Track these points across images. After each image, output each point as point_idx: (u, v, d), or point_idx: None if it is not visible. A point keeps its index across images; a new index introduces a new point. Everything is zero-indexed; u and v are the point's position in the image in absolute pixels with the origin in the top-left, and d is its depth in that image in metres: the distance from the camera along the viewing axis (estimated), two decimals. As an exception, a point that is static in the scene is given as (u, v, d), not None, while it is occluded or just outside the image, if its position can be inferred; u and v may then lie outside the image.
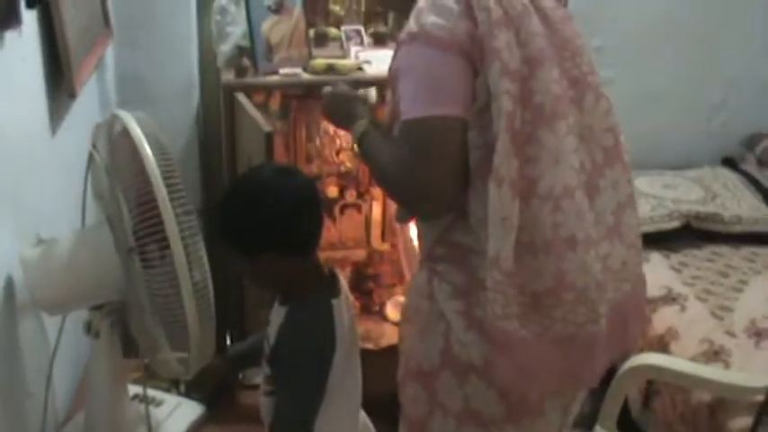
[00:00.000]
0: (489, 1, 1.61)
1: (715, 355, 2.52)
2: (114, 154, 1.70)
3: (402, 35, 1.69)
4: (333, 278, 1.88)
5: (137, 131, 1.58)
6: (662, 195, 3.32)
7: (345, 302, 1.86)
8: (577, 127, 1.68)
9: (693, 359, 2.51)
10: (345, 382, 1.84)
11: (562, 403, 1.83)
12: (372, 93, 2.86)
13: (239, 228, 1.78)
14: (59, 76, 1.99)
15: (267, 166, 2.09)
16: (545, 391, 1.76)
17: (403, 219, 1.95)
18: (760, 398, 1.98)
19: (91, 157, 1.70)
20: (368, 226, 3.22)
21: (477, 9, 1.61)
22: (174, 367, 1.75)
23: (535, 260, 1.63)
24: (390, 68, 1.75)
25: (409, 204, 1.75)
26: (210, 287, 1.73)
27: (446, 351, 1.76)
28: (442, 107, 1.61)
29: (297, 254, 1.79)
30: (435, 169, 1.62)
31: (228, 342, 3.07)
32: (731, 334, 2.61)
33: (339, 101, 1.99)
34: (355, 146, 1.90)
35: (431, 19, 1.63)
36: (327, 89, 2.02)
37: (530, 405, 1.77)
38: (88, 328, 1.79)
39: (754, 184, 3.57)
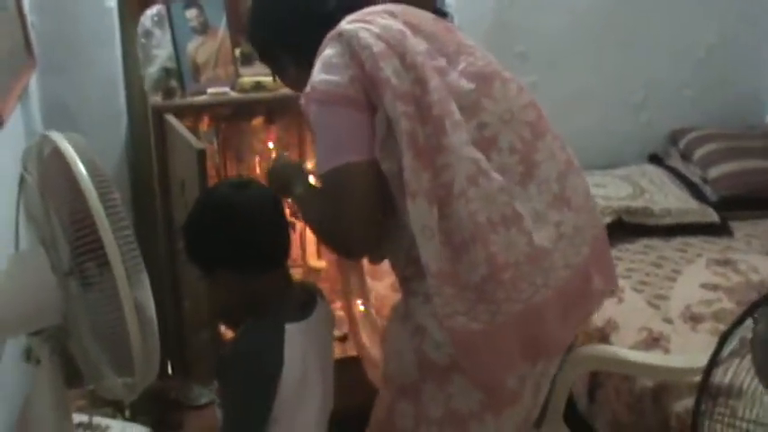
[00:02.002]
0: (369, 39, 1.72)
1: (654, 341, 2.57)
2: (45, 175, 1.67)
3: (301, 97, 1.79)
4: (307, 298, 1.87)
5: (68, 149, 1.56)
6: (592, 194, 3.35)
7: (314, 327, 1.83)
8: (490, 116, 1.78)
9: (634, 347, 2.55)
10: (300, 409, 1.80)
11: (535, 382, 1.88)
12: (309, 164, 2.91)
13: (193, 245, 1.84)
14: (-16, 105, 1.97)
15: (224, 182, 2.20)
16: (518, 373, 1.82)
17: (375, 260, 2.02)
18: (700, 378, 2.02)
19: (22, 181, 1.68)
20: (303, 244, 3.21)
21: (360, 49, 1.72)
22: (119, 391, 1.72)
23: (469, 254, 1.70)
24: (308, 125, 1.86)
25: (338, 251, 1.89)
26: (152, 305, 1.71)
27: (422, 363, 1.83)
28: (343, 156, 1.72)
29: (257, 270, 1.80)
30: (350, 213, 1.71)
31: (169, 367, 3.03)
32: (668, 321, 2.66)
33: (276, 172, 2.07)
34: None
35: (320, 77, 1.75)
36: (270, 163, 2.16)
37: (508, 393, 1.83)
38: (27, 355, 1.75)
39: (680, 177, 3.65)
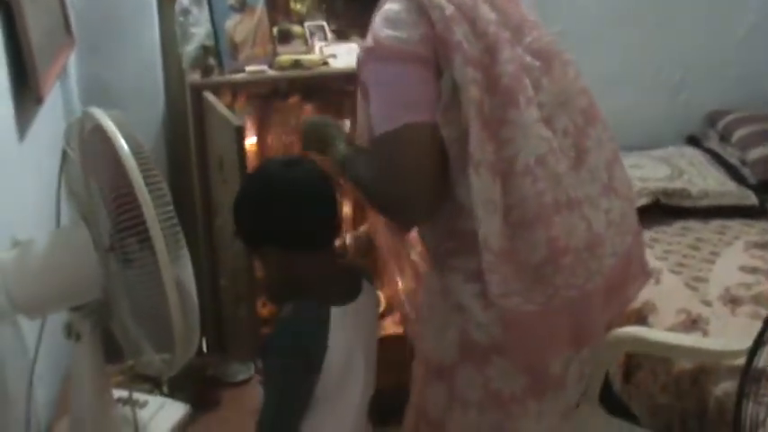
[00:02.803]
0: (441, 1, 1.66)
1: (693, 324, 2.55)
2: (87, 151, 1.69)
3: (360, 51, 1.75)
4: (353, 282, 1.85)
5: (111, 126, 1.57)
6: (630, 175, 3.33)
7: (359, 311, 1.81)
8: (547, 96, 1.73)
9: (672, 329, 2.54)
10: (343, 393, 1.79)
11: (578, 368, 1.87)
12: (347, 123, 2.88)
13: (242, 219, 1.83)
14: (25, 84, 1.98)
15: (275, 159, 2.13)
16: (562, 358, 1.80)
17: (406, 228, 1.99)
18: (741, 362, 2.01)
19: (64, 156, 1.69)
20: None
21: (431, 8, 1.65)
22: (158, 367, 1.74)
23: (530, 234, 1.67)
24: (359, 81, 1.80)
25: (393, 216, 1.82)
26: (193, 282, 1.72)
27: (464, 342, 1.80)
28: (408, 116, 1.66)
29: (303, 249, 1.78)
30: (409, 180, 1.66)
31: (204, 344, 3.05)
32: (707, 303, 2.64)
33: (314, 129, 2.03)
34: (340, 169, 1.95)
35: (385, 32, 1.68)
36: (306, 119, 2.08)
37: (552, 377, 1.81)
38: (68, 331, 1.77)
39: (718, 159, 3.62)
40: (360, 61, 1.75)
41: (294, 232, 1.77)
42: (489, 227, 1.65)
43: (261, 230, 1.79)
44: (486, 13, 1.70)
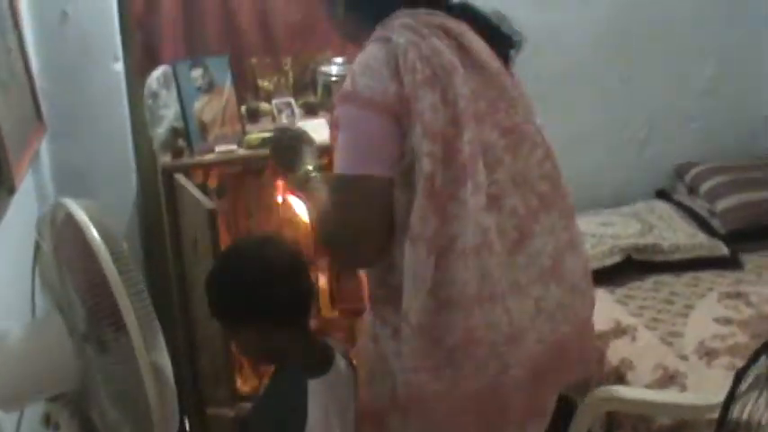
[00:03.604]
0: (416, 62, 1.65)
1: (670, 379, 2.56)
2: (59, 241, 1.70)
3: (339, 93, 1.74)
4: (326, 355, 1.87)
5: (82, 216, 1.58)
6: (601, 233, 3.38)
7: (334, 382, 1.83)
8: (504, 173, 1.73)
9: (650, 386, 2.55)
10: None
11: None
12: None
13: (216, 301, 1.85)
14: (-3, 173, 2.00)
15: (246, 238, 2.12)
16: None
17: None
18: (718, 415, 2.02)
19: (37, 247, 1.71)
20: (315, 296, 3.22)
21: (404, 70, 1.65)
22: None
23: (451, 316, 1.67)
24: (332, 120, 1.79)
25: (336, 256, 1.83)
26: (169, 366, 1.72)
27: (393, 391, 1.77)
28: (367, 167, 1.67)
29: (277, 325, 1.81)
30: (353, 228, 1.68)
31: (187, 424, 3.03)
32: (683, 357, 2.66)
33: (286, 143, 2.01)
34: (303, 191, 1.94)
35: (363, 81, 1.67)
36: (277, 126, 2.03)
37: None
38: (47, 420, 1.76)
39: (688, 212, 3.66)
40: (337, 99, 1.75)
41: (268, 310, 1.79)
42: (413, 301, 1.66)
43: (235, 310, 1.82)
44: (462, 84, 1.68)
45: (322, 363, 1.85)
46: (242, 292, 1.80)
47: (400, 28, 1.71)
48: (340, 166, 1.71)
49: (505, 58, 1.83)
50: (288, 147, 1.98)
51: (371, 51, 1.71)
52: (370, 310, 1.86)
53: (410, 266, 1.65)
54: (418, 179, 1.64)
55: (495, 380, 1.71)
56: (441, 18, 1.76)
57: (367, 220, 1.68)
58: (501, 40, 1.83)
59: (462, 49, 1.74)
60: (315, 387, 1.78)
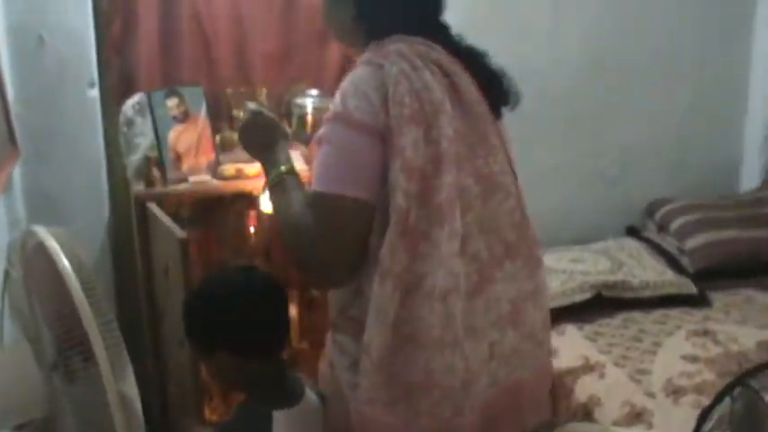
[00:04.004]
0: (405, 96, 1.64)
1: (637, 416, 2.57)
2: (30, 269, 1.70)
3: (328, 113, 1.71)
4: (296, 388, 1.87)
5: (53, 245, 1.59)
6: (571, 269, 3.41)
7: (301, 416, 1.83)
8: (473, 218, 1.72)
9: (617, 423, 2.56)
10: None
11: None
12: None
13: (193, 326, 1.85)
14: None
15: (227, 267, 2.08)
16: None
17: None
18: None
19: (6, 275, 1.70)
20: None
21: (392, 102, 1.64)
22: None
23: (412, 355, 1.66)
24: (315, 138, 1.77)
25: (306, 273, 1.76)
26: (137, 397, 1.72)
27: (346, 420, 1.78)
28: (356, 189, 1.65)
29: (252, 354, 1.81)
30: (337, 247, 1.66)
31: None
32: (650, 395, 2.67)
33: (260, 129, 1.91)
34: (265, 185, 1.86)
35: (354, 102, 1.66)
36: (250, 107, 1.94)
37: None
38: (12, 450, 1.76)
39: (657, 249, 3.69)
40: (326, 118, 1.71)
41: (245, 338, 1.79)
42: (375, 336, 1.65)
43: (212, 337, 1.81)
44: (447, 124, 1.67)
45: (292, 395, 1.85)
46: (218, 319, 1.80)
47: (395, 55, 1.70)
48: (320, 183, 1.68)
49: (496, 110, 1.82)
50: (260, 133, 1.90)
51: (363, 75, 1.70)
52: (331, 336, 1.86)
53: (376, 300, 1.65)
54: (392, 213, 1.64)
55: (450, 422, 1.70)
56: (437, 54, 1.75)
57: (342, 242, 1.66)
58: (496, 91, 1.82)
59: (453, 88, 1.73)
60: (281, 420, 1.78)
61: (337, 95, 1.71)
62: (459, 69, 1.76)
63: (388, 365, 1.66)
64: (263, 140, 1.89)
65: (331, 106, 1.71)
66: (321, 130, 1.72)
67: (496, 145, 1.78)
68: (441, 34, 1.81)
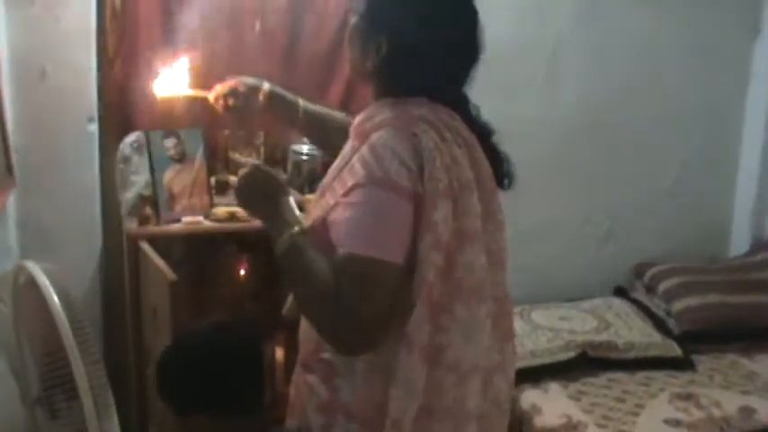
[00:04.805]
0: (441, 171, 1.63)
1: (618, 480, 2.59)
2: (19, 304, 1.71)
3: (360, 178, 1.63)
4: None
5: (45, 282, 1.60)
6: (558, 327, 3.42)
7: None
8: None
9: (597, 485, 2.57)
10: None
11: None
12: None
13: (166, 384, 1.78)
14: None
15: (204, 322, 1.92)
16: None
17: (292, 313, 1.87)
18: None
19: (-5, 309, 1.71)
20: (271, 370, 3.21)
21: (428, 179, 1.62)
22: None
23: (430, 425, 1.67)
24: (324, 191, 1.74)
25: (337, 338, 1.66)
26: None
27: None
28: (395, 254, 1.61)
29: (228, 416, 1.77)
30: (377, 311, 1.60)
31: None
32: (631, 458, 2.69)
33: (261, 185, 1.79)
34: (278, 248, 1.70)
35: (394, 167, 1.61)
36: (246, 164, 1.83)
37: None
38: (-8, 484, 1.76)
39: (645, 311, 3.70)
40: (363, 181, 1.62)
41: (218, 399, 1.75)
42: (407, 410, 1.64)
43: (188, 397, 1.76)
44: (471, 201, 1.68)
45: None
46: (194, 381, 1.75)
47: (422, 123, 1.68)
48: (357, 244, 1.60)
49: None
50: (261, 189, 1.78)
51: (396, 141, 1.65)
52: (300, 374, 1.84)
53: (406, 374, 1.63)
54: (419, 287, 1.62)
55: None
56: (458, 123, 1.75)
57: (383, 307, 1.61)
58: (499, 170, 1.83)
59: (473, 162, 1.73)
60: None
61: (370, 158, 1.63)
62: (476, 143, 1.76)
63: None
64: (264, 198, 1.78)
65: (360, 169, 1.64)
66: (353, 195, 1.64)
67: (501, 220, 1.80)
68: (461, 105, 1.80)
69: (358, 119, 1.78)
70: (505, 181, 1.86)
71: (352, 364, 1.71)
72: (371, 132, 1.68)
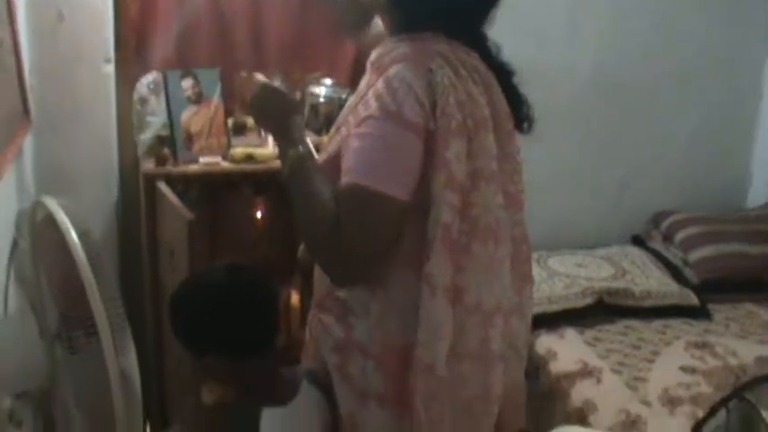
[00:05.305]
0: (454, 108, 1.61)
1: (632, 424, 2.58)
2: (37, 240, 1.71)
3: (373, 110, 1.62)
4: (291, 383, 1.83)
5: (63, 218, 1.60)
6: (575, 274, 3.42)
7: (295, 412, 1.79)
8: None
9: (611, 429, 2.57)
10: None
11: None
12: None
13: (180, 325, 1.78)
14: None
15: (217, 265, 1.91)
16: None
17: (307, 256, 1.89)
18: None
19: (14, 244, 1.71)
20: (287, 314, 3.23)
21: (440, 114, 1.61)
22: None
23: (461, 366, 1.68)
24: (340, 128, 1.75)
25: (330, 266, 1.70)
26: (137, 373, 1.73)
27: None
28: (400, 189, 1.61)
29: (241, 356, 1.77)
30: (373, 245, 1.62)
31: (148, 428, 3.01)
32: (646, 403, 2.68)
33: (273, 101, 1.79)
34: (284, 168, 1.72)
35: (409, 102, 1.60)
36: (259, 79, 1.86)
37: None
38: (10, 417, 1.76)
39: (662, 260, 3.69)
40: (375, 114, 1.62)
41: (230, 340, 1.75)
42: (435, 353, 1.63)
43: (202, 338, 1.76)
44: (486, 140, 1.66)
45: (285, 392, 1.81)
46: (207, 323, 1.74)
47: (439, 58, 1.66)
48: (362, 177, 1.60)
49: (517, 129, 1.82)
50: (274, 105, 1.78)
51: (412, 75, 1.63)
52: (315, 314, 1.85)
53: (432, 316, 1.63)
54: (434, 227, 1.62)
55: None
56: (476, 61, 1.72)
57: (375, 241, 1.62)
58: (518, 111, 1.82)
59: (490, 101, 1.71)
60: (269, 416, 1.75)
61: (384, 91, 1.63)
62: (494, 82, 1.74)
63: (447, 383, 1.66)
64: (276, 113, 1.77)
65: (373, 101, 1.64)
66: (365, 124, 1.63)
67: (519, 162, 1.80)
68: (479, 43, 1.77)
69: (375, 53, 1.76)
70: (525, 124, 1.84)
71: (367, 303, 1.72)
72: (389, 67, 1.67)
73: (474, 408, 1.70)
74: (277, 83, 1.81)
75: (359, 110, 1.67)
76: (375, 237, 1.61)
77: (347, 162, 1.63)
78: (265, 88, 1.80)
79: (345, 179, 1.62)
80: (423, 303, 1.62)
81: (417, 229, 1.64)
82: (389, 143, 1.61)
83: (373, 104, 1.62)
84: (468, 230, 1.65)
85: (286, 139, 1.74)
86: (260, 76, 1.85)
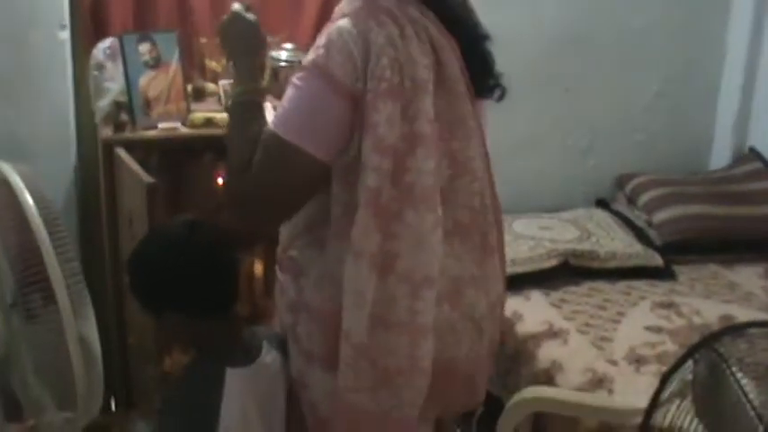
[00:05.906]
0: (386, 69, 1.57)
1: (599, 383, 2.59)
2: (-8, 206, 1.67)
3: (308, 57, 1.63)
4: (253, 345, 1.81)
5: (16, 180, 1.56)
6: (539, 236, 3.41)
7: (257, 373, 1.78)
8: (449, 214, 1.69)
9: (578, 389, 2.57)
10: None
11: None
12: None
13: (139, 283, 1.76)
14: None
15: (174, 220, 1.93)
16: None
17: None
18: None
19: (-32, 210, 1.67)
20: (250, 283, 3.20)
21: (371, 76, 1.57)
22: (60, 427, 1.71)
23: (387, 335, 1.63)
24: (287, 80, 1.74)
25: (233, 208, 1.71)
26: (97, 339, 1.70)
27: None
28: (315, 146, 1.59)
29: (201, 314, 1.75)
30: (277, 193, 1.63)
31: (113, 402, 2.98)
32: (612, 362, 2.69)
33: (244, 29, 1.78)
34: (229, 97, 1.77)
35: (339, 59, 1.58)
36: (237, 7, 1.80)
37: None
38: (-32, 388, 1.74)
39: (626, 222, 3.70)
40: (306, 65, 1.62)
41: (196, 298, 1.73)
42: (354, 321, 1.61)
43: (160, 295, 1.74)
44: (426, 104, 1.61)
45: (247, 353, 1.80)
46: (166, 279, 1.72)
47: (384, 15, 1.62)
48: (280, 126, 1.61)
49: (477, 88, 1.76)
50: (243, 33, 1.77)
51: (351, 32, 1.59)
52: (277, 274, 1.85)
53: (351, 282, 1.61)
54: (362, 191, 1.59)
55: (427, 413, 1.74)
56: (428, 22, 1.67)
57: (279, 193, 1.63)
58: (479, 68, 1.77)
59: (438, 64, 1.66)
60: (235, 378, 1.73)
61: (322, 42, 1.61)
62: (447, 43, 1.68)
63: (370, 350, 1.63)
64: (243, 41, 1.78)
65: (312, 51, 1.63)
66: (298, 74, 1.64)
67: (473, 127, 1.73)
68: (438, 3, 1.71)
69: (336, 9, 1.73)
70: (495, 92, 1.83)
71: (309, 266, 1.73)
72: (338, 20, 1.64)
73: (395, 379, 1.65)
74: (252, 17, 1.78)
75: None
76: (281, 185, 1.61)
77: (278, 108, 1.65)
78: (239, 15, 1.79)
79: (268, 126, 1.64)
80: (346, 269, 1.61)
81: (353, 195, 1.62)
82: (311, 99, 1.61)
83: (311, 54, 1.63)
84: (399, 197, 1.60)
85: (244, 69, 1.75)
86: (237, 5, 1.80)
